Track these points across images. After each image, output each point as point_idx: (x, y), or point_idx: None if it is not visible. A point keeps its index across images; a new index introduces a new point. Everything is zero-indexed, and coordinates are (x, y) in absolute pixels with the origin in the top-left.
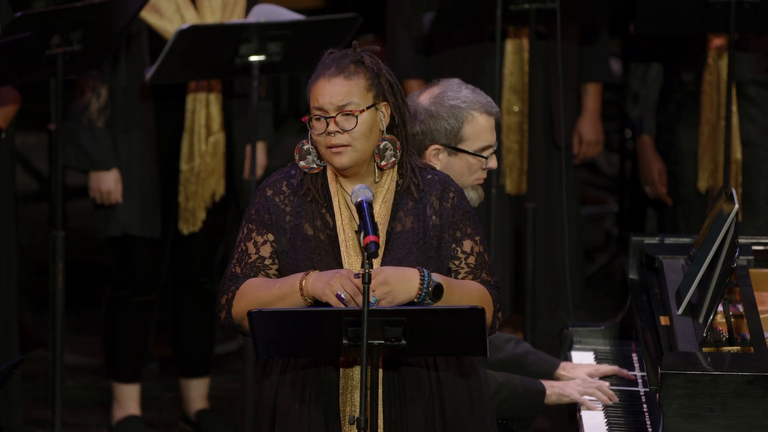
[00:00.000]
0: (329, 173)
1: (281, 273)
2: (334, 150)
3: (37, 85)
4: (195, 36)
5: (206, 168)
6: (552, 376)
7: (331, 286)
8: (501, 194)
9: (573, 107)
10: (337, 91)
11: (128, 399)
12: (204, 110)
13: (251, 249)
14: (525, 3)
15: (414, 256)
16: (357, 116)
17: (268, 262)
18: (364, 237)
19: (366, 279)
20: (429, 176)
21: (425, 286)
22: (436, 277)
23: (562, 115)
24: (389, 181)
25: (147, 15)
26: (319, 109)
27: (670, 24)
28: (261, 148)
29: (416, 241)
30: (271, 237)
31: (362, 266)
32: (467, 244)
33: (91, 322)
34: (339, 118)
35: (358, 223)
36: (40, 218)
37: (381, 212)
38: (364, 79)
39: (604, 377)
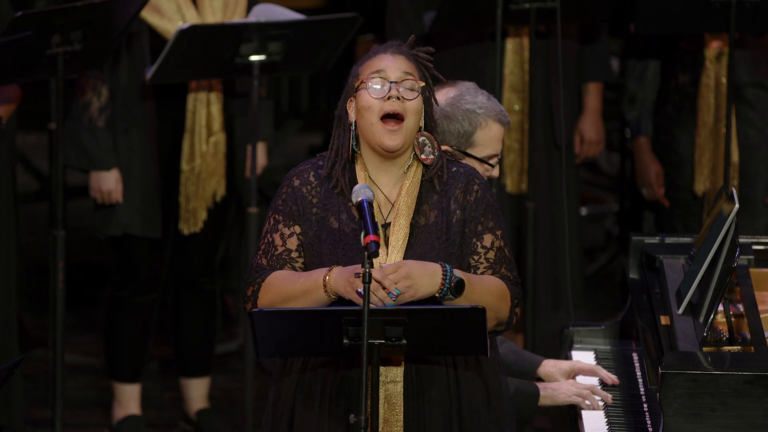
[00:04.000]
0: (358, 166)
1: (306, 265)
2: (390, 127)
3: (38, 85)
4: (195, 36)
5: (207, 168)
6: (534, 374)
7: (351, 283)
8: (501, 193)
9: (573, 107)
10: (400, 64)
11: (128, 399)
12: (205, 110)
13: (278, 241)
14: (525, 2)
15: (436, 252)
16: (418, 88)
17: (294, 254)
18: (365, 236)
19: (366, 279)
20: (454, 168)
21: (447, 281)
22: (458, 273)
23: (562, 115)
24: (414, 174)
25: (148, 15)
26: (380, 71)
27: (671, 23)
28: (261, 149)
29: (439, 236)
30: (297, 229)
31: (362, 265)
32: (488, 239)
33: (91, 322)
34: (403, 85)
35: (384, 218)
36: (40, 218)
37: (406, 203)
38: (418, 69)
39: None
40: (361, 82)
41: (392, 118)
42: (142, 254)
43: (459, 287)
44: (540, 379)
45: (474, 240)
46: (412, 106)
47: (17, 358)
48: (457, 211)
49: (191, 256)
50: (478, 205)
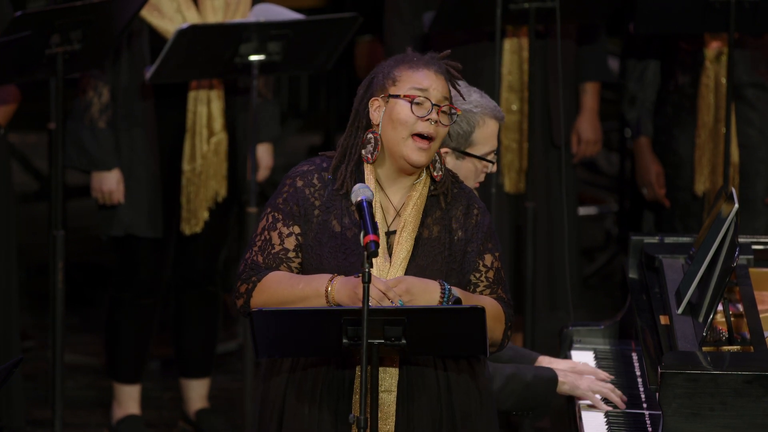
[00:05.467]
0: (367, 171)
1: (304, 267)
2: (420, 144)
3: (37, 85)
4: (195, 35)
5: (208, 169)
6: None
7: (356, 294)
8: (500, 193)
9: (571, 106)
10: (442, 86)
11: (128, 399)
12: (205, 110)
13: (275, 239)
14: (525, 2)
15: (438, 265)
16: (454, 117)
17: (291, 255)
18: (364, 236)
19: (366, 278)
20: (455, 190)
21: (446, 299)
22: (456, 292)
23: (561, 115)
24: (422, 187)
25: (148, 15)
26: (424, 90)
27: (670, 23)
28: (267, 150)
29: (441, 250)
30: (297, 230)
31: (362, 265)
32: (488, 259)
33: (91, 322)
34: (443, 111)
35: (388, 224)
36: (40, 218)
37: (411, 216)
38: (450, 88)
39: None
40: (404, 95)
41: (424, 138)
42: (144, 255)
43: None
44: None
45: (476, 258)
46: (443, 131)
47: (17, 358)
48: (459, 231)
49: (193, 257)
50: (478, 229)
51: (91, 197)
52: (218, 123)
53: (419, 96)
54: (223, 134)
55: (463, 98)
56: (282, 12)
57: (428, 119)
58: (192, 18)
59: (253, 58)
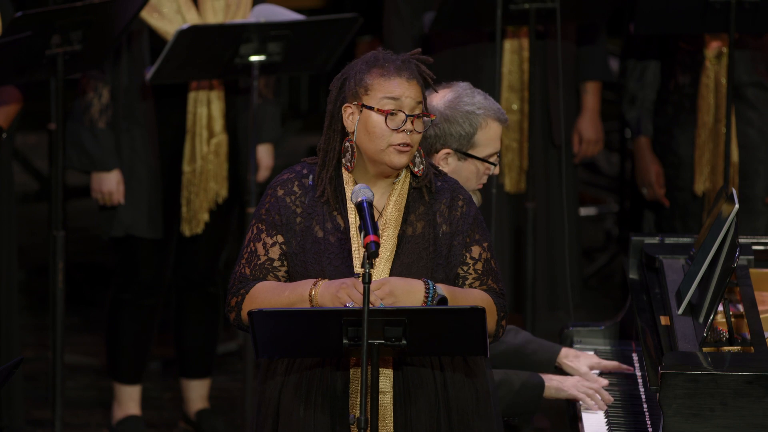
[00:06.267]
0: (345, 175)
1: (290, 275)
2: (400, 149)
3: (37, 85)
4: (195, 36)
5: (209, 170)
6: (553, 364)
7: (339, 298)
8: (500, 193)
9: (571, 106)
10: (415, 93)
11: (129, 399)
12: (205, 111)
13: (260, 250)
14: (525, 3)
15: (423, 262)
16: (429, 122)
17: (276, 264)
18: (364, 237)
19: (366, 279)
20: (439, 183)
21: (430, 298)
22: (441, 289)
23: (561, 114)
24: (402, 185)
25: (148, 16)
26: (396, 100)
27: (670, 23)
28: (268, 151)
29: (426, 246)
30: (280, 239)
31: (362, 266)
32: (475, 250)
33: (92, 322)
34: (417, 119)
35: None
36: (40, 218)
37: (392, 215)
38: (422, 88)
39: (605, 374)
40: (378, 109)
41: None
42: (145, 256)
43: (442, 304)
44: (560, 368)
45: (463, 251)
46: (419, 136)
47: (17, 358)
48: (443, 226)
49: (194, 258)
50: (464, 220)
51: (91, 197)
52: (218, 124)
53: (392, 109)
54: (224, 135)
55: (436, 91)
56: (282, 12)
57: (403, 130)
58: (192, 19)
59: (254, 58)
